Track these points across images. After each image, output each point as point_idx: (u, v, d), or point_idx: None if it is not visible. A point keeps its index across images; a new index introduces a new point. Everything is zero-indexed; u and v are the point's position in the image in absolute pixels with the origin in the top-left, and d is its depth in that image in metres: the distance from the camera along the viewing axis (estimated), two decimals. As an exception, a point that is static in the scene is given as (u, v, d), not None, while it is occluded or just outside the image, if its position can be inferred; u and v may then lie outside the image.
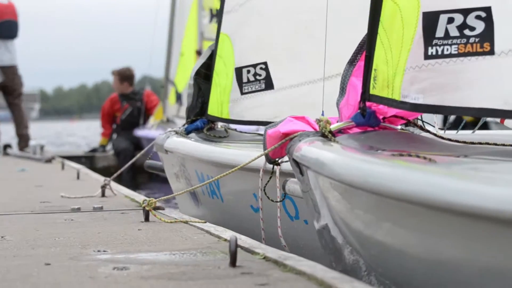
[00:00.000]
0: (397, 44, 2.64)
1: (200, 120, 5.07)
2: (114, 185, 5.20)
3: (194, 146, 4.75)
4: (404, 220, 2.20)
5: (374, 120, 2.82)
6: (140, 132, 11.78)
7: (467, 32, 2.46)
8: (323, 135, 2.75)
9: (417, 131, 3.25)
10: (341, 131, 2.81)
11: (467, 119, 5.38)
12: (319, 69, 4.64)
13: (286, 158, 3.02)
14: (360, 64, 2.87)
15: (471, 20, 2.45)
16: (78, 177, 6.54)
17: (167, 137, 5.12)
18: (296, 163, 2.78)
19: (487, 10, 2.42)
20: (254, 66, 4.83)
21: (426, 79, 2.54)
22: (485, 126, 12.04)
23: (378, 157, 2.39)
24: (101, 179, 6.23)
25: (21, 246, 3.12)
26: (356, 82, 2.86)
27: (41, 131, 41.48)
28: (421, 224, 2.14)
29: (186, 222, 3.63)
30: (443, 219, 2.03)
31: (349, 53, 4.43)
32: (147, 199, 3.82)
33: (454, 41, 2.48)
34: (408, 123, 3.06)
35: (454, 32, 2.48)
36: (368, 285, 2.32)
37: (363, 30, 4.31)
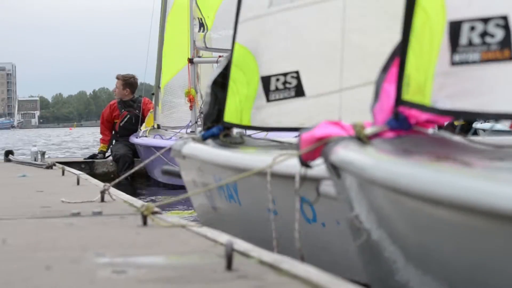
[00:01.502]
0: (427, 51, 2.74)
1: (216, 127, 5.19)
2: (113, 190, 5.24)
3: (212, 151, 4.84)
4: (448, 225, 2.21)
5: (407, 125, 2.88)
6: (135, 140, 11.79)
7: (488, 39, 2.58)
8: (359, 139, 2.81)
9: (448, 135, 3.33)
10: (375, 135, 2.86)
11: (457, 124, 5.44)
12: (352, 76, 4.73)
13: (318, 161, 3.07)
14: (393, 70, 2.94)
15: (491, 28, 2.56)
16: (78, 183, 6.58)
17: (184, 143, 5.24)
18: (333, 167, 2.83)
19: (505, 18, 2.54)
20: (285, 74, 4.92)
21: (453, 85, 2.65)
22: (475, 133, 12.15)
23: (419, 161, 2.43)
24: (100, 184, 6.27)
25: (22, 250, 3.16)
26: (389, 88, 2.93)
27: (40, 138, 41.43)
28: (465, 229, 2.15)
29: (183, 227, 3.67)
30: (488, 225, 2.05)
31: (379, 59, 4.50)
32: (145, 204, 3.87)
33: (477, 48, 2.59)
34: (439, 127, 3.14)
35: (476, 39, 2.60)
36: (361, 287, 2.36)
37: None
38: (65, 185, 6.70)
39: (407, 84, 2.80)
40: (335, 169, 2.82)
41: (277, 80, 4.94)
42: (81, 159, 12.65)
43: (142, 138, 11.65)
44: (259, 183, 4.02)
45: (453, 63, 2.64)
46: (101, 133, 12.62)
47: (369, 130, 2.85)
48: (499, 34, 2.56)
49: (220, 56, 11.27)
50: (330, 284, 2.31)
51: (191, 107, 11.22)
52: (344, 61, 4.81)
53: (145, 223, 3.79)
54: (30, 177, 7.88)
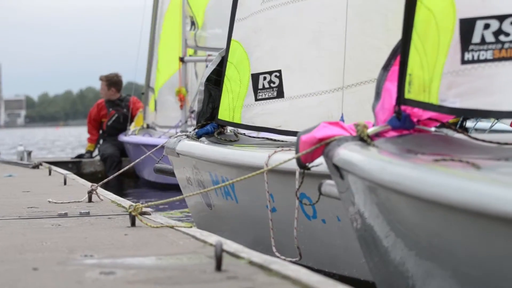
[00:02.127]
0: (432, 49, 2.72)
1: (211, 124, 5.22)
2: (101, 190, 5.22)
3: (209, 149, 4.85)
4: (453, 228, 2.22)
5: (409, 123, 2.88)
6: (124, 138, 11.79)
7: (502, 38, 2.56)
8: (361, 139, 2.80)
9: (450, 132, 3.34)
10: (377, 134, 2.86)
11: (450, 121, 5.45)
12: (327, 81, 4.73)
13: (316, 162, 3.06)
14: (394, 69, 2.93)
15: (506, 26, 2.55)
16: (65, 183, 6.55)
17: (178, 140, 5.25)
18: (336, 167, 2.82)
19: None
20: (270, 73, 4.94)
21: (463, 83, 2.64)
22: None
23: (425, 162, 2.42)
24: (88, 184, 6.25)
25: (9, 251, 3.14)
26: (391, 86, 2.92)
27: (26, 138, 41.33)
28: (472, 233, 2.15)
29: (172, 227, 3.65)
30: (496, 229, 2.05)
31: (359, 64, 4.48)
32: (134, 204, 3.84)
33: (490, 46, 2.58)
34: (441, 125, 3.14)
35: (490, 37, 2.58)
36: (351, 287, 2.35)
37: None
38: (52, 185, 6.67)
39: (410, 82, 2.79)
40: (338, 170, 2.81)
41: (264, 78, 4.95)
42: (68, 159, 12.61)
43: (131, 136, 11.64)
44: (257, 180, 4.01)
45: (464, 62, 2.63)
46: (89, 132, 12.59)
47: (371, 130, 2.84)
48: None
49: (209, 55, 11.28)
50: (320, 284, 2.30)
51: (181, 106, 11.22)
52: (315, 65, 4.80)
53: (133, 223, 3.77)
54: (17, 177, 7.85)
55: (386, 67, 2.99)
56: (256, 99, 4.97)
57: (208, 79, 5.20)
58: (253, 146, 4.96)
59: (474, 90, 2.63)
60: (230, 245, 2.98)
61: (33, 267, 2.76)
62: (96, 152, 12.43)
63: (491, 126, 4.60)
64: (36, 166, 9.06)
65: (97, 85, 12.55)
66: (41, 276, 2.62)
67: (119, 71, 12.71)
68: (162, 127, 12.15)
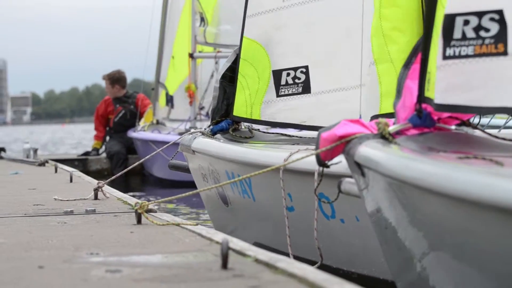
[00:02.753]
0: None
1: (225, 121, 5.24)
2: (106, 188, 5.22)
3: (225, 146, 4.85)
4: (480, 225, 2.22)
5: (430, 121, 2.88)
6: (133, 134, 11.81)
7: (482, 33, 2.56)
8: (383, 137, 2.80)
9: (470, 130, 3.34)
10: (398, 132, 2.87)
11: None
12: (354, 76, 4.76)
13: (334, 160, 3.06)
14: (415, 67, 2.94)
15: (485, 22, 2.55)
16: (71, 180, 6.55)
17: (194, 137, 5.24)
18: (357, 164, 2.82)
19: (500, 12, 2.53)
20: (295, 69, 4.96)
21: (444, 79, 2.64)
22: None
23: (449, 160, 2.43)
24: (94, 182, 6.24)
25: (15, 249, 3.13)
26: (411, 84, 2.93)
27: (32, 136, 41.39)
28: (499, 229, 2.15)
29: (178, 225, 3.65)
30: None
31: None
32: (140, 202, 3.84)
33: (471, 42, 2.58)
34: (462, 123, 3.15)
35: (470, 33, 2.58)
36: (358, 286, 2.35)
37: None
38: (58, 182, 6.67)
39: (429, 80, 2.79)
40: (359, 167, 2.80)
41: (288, 74, 4.99)
42: (75, 156, 12.62)
43: (140, 132, 11.66)
44: (275, 179, 4.00)
45: (445, 57, 2.63)
46: (95, 128, 12.61)
47: (392, 128, 2.85)
48: (494, 28, 2.54)
49: (218, 51, 11.28)
50: (326, 282, 2.29)
51: (190, 103, 11.22)
52: (345, 61, 4.84)
53: (139, 221, 3.76)
54: (23, 174, 7.85)
55: (407, 65, 3.00)
56: (278, 95, 5.01)
57: (223, 76, 5.23)
58: (269, 143, 4.98)
59: (455, 85, 2.62)
60: (236, 243, 2.97)
61: (38, 265, 2.75)
62: (102, 149, 12.44)
63: (505, 123, 4.62)
64: (42, 164, 9.06)
65: (103, 82, 12.54)
66: (47, 274, 2.61)
67: (125, 68, 12.70)
68: (179, 120, 12.18)
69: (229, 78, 5.20)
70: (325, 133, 2.95)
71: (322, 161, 3.01)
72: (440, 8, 2.74)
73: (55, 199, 4.97)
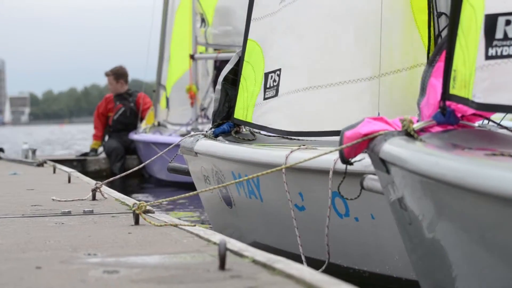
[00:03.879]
0: (472, 45, 2.76)
1: (227, 123, 5.25)
2: (104, 188, 5.22)
3: (233, 148, 4.84)
4: (509, 222, 2.23)
5: (454, 119, 2.91)
6: (135, 136, 11.78)
7: None
8: (407, 134, 2.82)
9: (493, 128, 3.36)
10: (423, 129, 2.89)
11: None
12: (311, 77, 4.76)
13: (358, 157, 3.09)
14: (439, 65, 2.97)
15: None
16: (69, 181, 6.55)
17: (196, 140, 5.24)
18: (382, 161, 2.84)
19: None
20: (274, 72, 4.97)
21: (487, 78, 2.66)
22: None
23: (475, 156, 2.46)
24: (92, 182, 6.25)
25: (12, 250, 3.13)
26: (435, 82, 2.96)
27: (29, 136, 41.37)
28: None
29: (175, 226, 3.65)
30: None
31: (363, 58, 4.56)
32: (137, 202, 3.84)
33: None
34: (486, 120, 3.17)
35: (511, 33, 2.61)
36: (355, 286, 2.35)
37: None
38: (56, 183, 6.68)
39: (454, 78, 2.81)
40: (384, 164, 2.82)
41: (271, 77, 4.98)
42: (73, 157, 12.62)
43: (142, 134, 11.64)
44: (283, 179, 4.01)
45: (488, 57, 2.66)
46: (95, 127, 12.60)
47: (416, 125, 2.87)
48: None
49: (219, 52, 11.28)
50: (323, 283, 2.30)
51: (192, 104, 11.22)
52: (312, 62, 4.82)
53: (137, 222, 3.77)
54: (21, 175, 7.85)
55: (431, 63, 3.03)
56: (264, 98, 5.01)
57: (225, 78, 5.23)
58: (274, 146, 4.98)
59: (498, 85, 2.65)
60: (233, 244, 2.97)
61: (36, 265, 2.76)
62: (101, 150, 12.44)
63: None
64: (40, 164, 9.07)
65: (102, 82, 12.59)
66: (45, 275, 2.61)
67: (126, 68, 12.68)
68: (174, 124, 12.15)
69: (231, 81, 5.20)
70: (349, 131, 2.97)
71: (345, 159, 3.03)
72: (467, 6, 2.76)
73: (53, 199, 4.97)
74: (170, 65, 12.36)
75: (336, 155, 3.21)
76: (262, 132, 5.39)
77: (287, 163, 3.99)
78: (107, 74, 12.51)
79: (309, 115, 4.73)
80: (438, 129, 2.90)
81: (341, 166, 3.21)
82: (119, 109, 12.33)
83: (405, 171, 2.65)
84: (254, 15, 5.15)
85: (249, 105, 5.08)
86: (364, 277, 4.06)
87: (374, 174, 3.08)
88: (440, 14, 4.60)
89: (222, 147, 4.92)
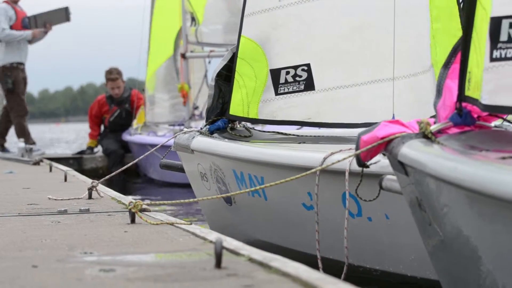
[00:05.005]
0: (484, 47, 2.77)
1: (221, 120, 5.22)
2: (101, 187, 5.21)
3: (235, 146, 4.80)
4: None
5: (470, 120, 2.93)
6: (129, 137, 11.71)
7: None
8: (425, 136, 2.84)
9: (510, 128, 3.37)
10: (440, 131, 2.91)
11: None
12: (366, 71, 4.80)
13: (374, 160, 3.14)
14: (454, 66, 2.99)
15: None
16: (65, 179, 6.55)
17: (192, 137, 5.20)
18: (400, 163, 2.85)
19: None
20: (295, 67, 4.97)
21: (491, 80, 2.69)
22: None
23: (493, 160, 2.47)
24: (88, 181, 6.24)
25: (9, 249, 3.13)
26: (451, 84, 2.98)
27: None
28: None
29: (171, 224, 3.65)
30: None
31: (398, 56, 4.65)
32: (134, 201, 3.84)
33: None
34: (502, 120, 3.19)
35: None
36: (352, 285, 2.35)
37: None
38: (53, 181, 6.67)
39: (469, 80, 2.84)
40: (402, 166, 2.83)
41: (287, 73, 5.00)
42: (69, 155, 12.61)
43: (136, 136, 11.56)
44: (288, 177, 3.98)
45: (492, 59, 2.68)
46: (90, 127, 12.58)
47: (434, 127, 2.89)
48: None
49: (211, 51, 11.26)
50: (320, 282, 2.30)
51: (184, 103, 11.19)
52: (355, 58, 4.89)
53: (133, 220, 3.76)
54: (17, 173, 7.84)
55: (447, 65, 3.06)
56: (277, 93, 5.01)
57: (219, 75, 5.21)
58: (274, 142, 4.98)
59: (502, 87, 2.67)
60: (230, 242, 2.97)
61: (32, 264, 2.75)
62: (97, 148, 12.42)
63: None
64: (37, 163, 9.06)
65: (98, 81, 12.55)
66: (41, 274, 2.61)
67: (120, 67, 12.64)
68: (163, 123, 12.10)
69: (225, 77, 5.19)
70: (366, 135, 3.00)
71: (362, 162, 3.06)
72: (480, 9, 2.77)
73: (49, 198, 4.97)
74: (148, 63, 12.30)
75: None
76: (259, 128, 5.40)
77: (321, 168, 3.97)
78: (115, 78, 12.29)
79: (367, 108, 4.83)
80: (455, 130, 2.92)
81: (356, 167, 3.24)
82: (114, 111, 12.31)
83: (423, 174, 2.68)
84: (247, 11, 5.14)
85: (250, 101, 5.07)
86: (375, 275, 4.07)
87: (392, 174, 3.11)
88: None
89: (224, 145, 4.89)
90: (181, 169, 5.68)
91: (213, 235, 3.26)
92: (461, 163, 2.47)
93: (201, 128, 5.31)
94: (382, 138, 2.95)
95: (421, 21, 4.66)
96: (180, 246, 3.10)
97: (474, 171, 2.36)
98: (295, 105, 5.00)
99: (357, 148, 3.03)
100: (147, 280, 2.46)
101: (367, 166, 3.14)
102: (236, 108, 5.13)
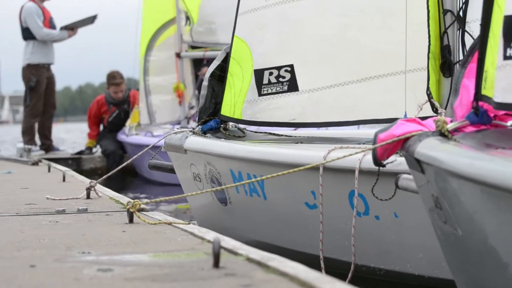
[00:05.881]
0: (498, 46, 2.79)
1: (214, 120, 5.19)
2: (99, 187, 5.21)
3: (232, 145, 4.76)
4: None
5: (487, 118, 2.95)
6: (126, 139, 11.66)
7: None
8: (441, 134, 2.86)
9: None
10: (456, 129, 2.93)
11: None
12: (353, 71, 4.80)
13: (390, 159, 3.16)
14: (471, 66, 3.01)
15: None
16: (64, 180, 6.54)
17: (185, 137, 5.16)
18: (417, 161, 2.87)
19: None
20: (279, 68, 4.93)
21: (505, 78, 2.71)
22: None
23: (508, 156, 2.49)
24: (86, 181, 6.24)
25: (6, 248, 3.13)
26: (468, 83, 3.00)
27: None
28: None
29: (170, 224, 3.65)
30: None
31: (385, 55, 4.68)
32: (132, 201, 3.84)
33: None
34: None
35: None
36: (349, 285, 2.35)
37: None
38: (51, 181, 6.66)
39: (485, 79, 2.86)
40: (419, 164, 2.85)
41: (270, 73, 4.96)
42: (68, 155, 12.60)
43: (133, 137, 11.51)
44: (294, 177, 3.95)
45: (506, 57, 2.70)
46: (89, 127, 12.58)
47: (450, 125, 2.91)
48: None
49: (206, 50, 11.25)
50: (317, 281, 2.30)
51: (180, 103, 11.17)
52: (340, 57, 4.87)
53: (131, 220, 3.76)
54: (15, 173, 7.84)
55: (464, 64, 3.08)
56: (260, 94, 4.97)
57: (212, 75, 5.18)
58: (269, 142, 4.96)
59: None
60: (228, 242, 2.97)
61: (30, 264, 2.75)
62: (96, 148, 12.41)
63: None
64: (35, 163, 9.05)
65: (96, 81, 12.52)
66: (39, 273, 2.61)
67: (118, 67, 12.65)
68: (162, 123, 12.07)
69: (218, 77, 5.16)
70: (383, 134, 3.02)
71: (379, 161, 3.08)
72: (496, 8, 2.78)
73: (48, 198, 4.96)
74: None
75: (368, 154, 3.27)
76: (253, 129, 5.38)
77: (325, 163, 3.95)
78: (119, 83, 12.24)
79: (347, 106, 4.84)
80: (471, 129, 2.94)
81: (367, 166, 3.25)
82: (113, 111, 12.30)
83: (439, 171, 2.69)
84: (240, 10, 5.11)
85: (236, 102, 5.03)
86: (379, 274, 4.06)
87: (408, 173, 3.13)
88: (446, 12, 4.63)
89: (221, 145, 4.85)
90: (170, 170, 5.64)
91: (211, 235, 3.26)
92: (477, 159, 2.49)
93: (194, 128, 5.27)
94: (398, 137, 2.97)
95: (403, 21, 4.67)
96: (178, 245, 3.09)
97: (491, 166, 2.38)
98: (278, 106, 4.95)
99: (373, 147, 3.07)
100: (145, 280, 2.46)
101: (384, 165, 3.17)
102: (225, 108, 5.09)
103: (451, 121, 2.98)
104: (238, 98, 5.03)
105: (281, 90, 4.94)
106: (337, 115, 4.88)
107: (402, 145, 2.97)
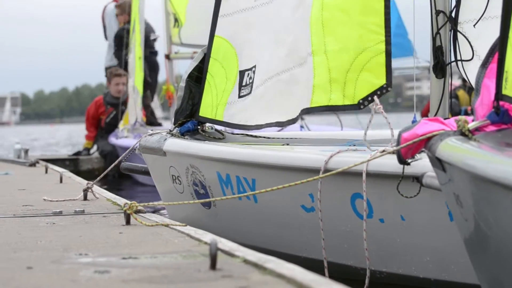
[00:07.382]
0: None
1: (191, 121, 5.12)
2: (96, 188, 5.21)
3: (219, 148, 4.70)
4: None
5: (507, 118, 2.98)
6: (117, 142, 11.59)
7: None
8: (462, 134, 2.89)
9: None
10: (477, 129, 2.96)
11: None
12: (292, 60, 4.88)
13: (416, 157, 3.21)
14: (492, 66, 3.04)
15: None
16: (61, 181, 6.54)
17: (163, 139, 5.08)
18: (439, 160, 2.90)
19: None
20: (250, 69, 4.95)
21: None
22: None
23: None
24: (84, 182, 6.24)
25: (3, 250, 3.13)
26: (489, 83, 3.03)
27: (21, 136, 41.31)
28: None
29: (167, 226, 3.65)
30: None
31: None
32: (129, 202, 3.84)
33: None
34: None
35: None
36: (346, 286, 2.36)
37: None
38: (48, 183, 6.66)
39: (506, 79, 2.89)
40: (440, 163, 2.89)
41: (248, 75, 4.96)
42: (66, 156, 12.59)
43: (123, 139, 11.43)
44: (291, 179, 3.89)
45: None
46: (86, 129, 12.56)
47: (471, 125, 2.94)
48: None
49: (194, 52, 11.24)
50: (314, 283, 2.30)
51: (170, 104, 11.14)
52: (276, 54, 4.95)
53: (128, 222, 3.76)
54: (13, 175, 7.83)
55: (484, 64, 3.11)
56: (239, 96, 4.96)
57: (190, 76, 5.08)
58: (253, 144, 4.94)
59: None
60: (225, 244, 2.97)
61: (27, 265, 2.75)
62: (94, 149, 12.40)
63: None
64: (33, 164, 9.04)
65: (93, 82, 12.48)
66: (36, 275, 2.61)
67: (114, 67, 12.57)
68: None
69: (196, 78, 5.07)
70: (406, 133, 3.08)
71: (403, 159, 3.15)
72: None
73: (45, 199, 4.96)
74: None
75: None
76: (230, 130, 5.36)
77: (328, 166, 3.95)
78: (122, 74, 12.18)
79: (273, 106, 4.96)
80: (492, 128, 2.97)
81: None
82: (110, 112, 12.28)
83: (459, 170, 2.72)
84: (223, 11, 5.02)
85: (219, 103, 4.97)
86: (380, 277, 4.03)
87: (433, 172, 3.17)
88: (438, 12, 4.64)
89: (203, 147, 4.78)
90: (144, 172, 5.58)
91: (208, 237, 3.26)
92: (494, 159, 2.52)
93: (171, 130, 5.18)
94: (421, 136, 3.02)
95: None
96: (175, 247, 3.10)
97: (507, 168, 2.40)
98: (244, 109, 4.95)
99: (397, 145, 3.12)
100: (142, 282, 2.46)
101: (408, 164, 3.20)
102: (205, 109, 4.99)
103: (473, 121, 3.02)
104: (221, 100, 4.96)
105: (247, 92, 4.97)
106: (275, 116, 5.00)
107: (425, 144, 3.02)
